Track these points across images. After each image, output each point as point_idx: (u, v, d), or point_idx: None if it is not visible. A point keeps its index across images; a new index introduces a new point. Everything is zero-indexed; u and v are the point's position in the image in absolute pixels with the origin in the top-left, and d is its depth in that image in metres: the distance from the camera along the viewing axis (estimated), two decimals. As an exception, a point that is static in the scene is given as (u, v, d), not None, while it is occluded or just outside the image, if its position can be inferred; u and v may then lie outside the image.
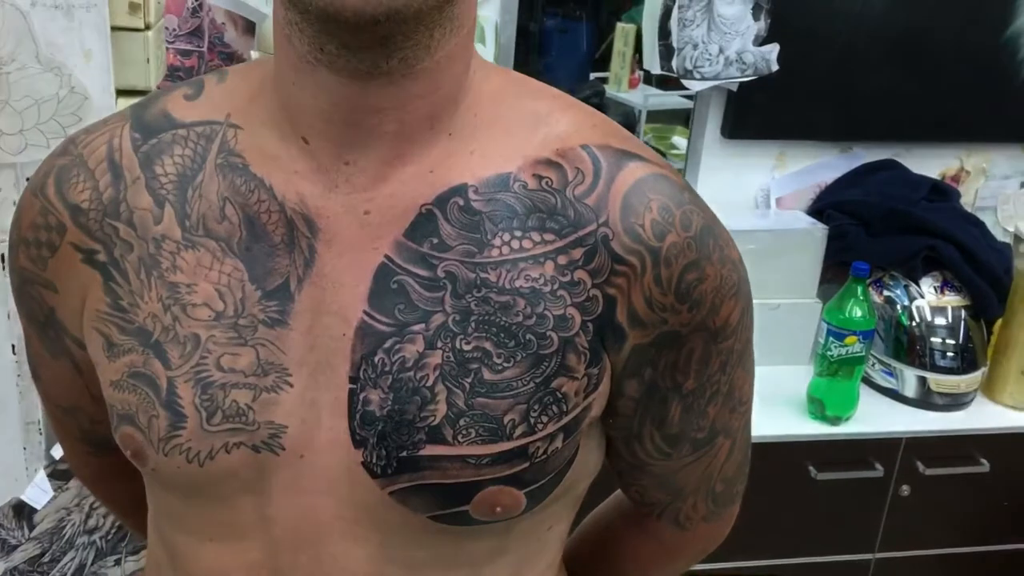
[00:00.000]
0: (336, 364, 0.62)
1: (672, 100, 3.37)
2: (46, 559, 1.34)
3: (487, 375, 0.62)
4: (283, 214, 0.63)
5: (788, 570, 1.81)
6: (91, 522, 1.36)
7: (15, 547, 1.32)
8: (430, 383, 0.61)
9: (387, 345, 0.62)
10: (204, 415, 0.63)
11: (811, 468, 1.72)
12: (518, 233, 0.62)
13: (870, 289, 1.84)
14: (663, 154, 3.49)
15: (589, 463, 0.71)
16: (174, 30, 1.65)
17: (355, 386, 0.62)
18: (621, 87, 3.66)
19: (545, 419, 0.63)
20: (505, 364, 0.62)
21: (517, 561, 0.71)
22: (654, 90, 3.48)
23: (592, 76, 3.83)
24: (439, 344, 0.61)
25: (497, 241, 0.62)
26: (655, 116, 3.56)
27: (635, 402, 0.68)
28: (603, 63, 3.85)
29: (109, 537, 1.38)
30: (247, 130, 0.65)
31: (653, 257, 0.63)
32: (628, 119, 3.58)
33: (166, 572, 0.73)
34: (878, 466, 1.75)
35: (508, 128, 0.65)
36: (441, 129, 0.63)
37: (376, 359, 0.62)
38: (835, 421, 1.74)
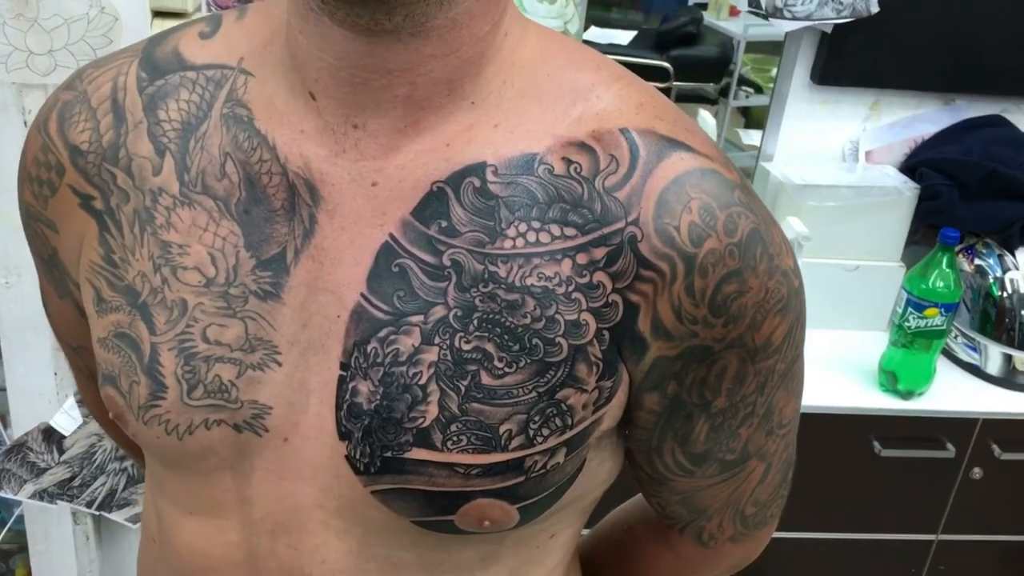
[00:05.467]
0: (329, 347, 0.58)
1: (774, 31, 3.19)
2: (76, 483, 1.34)
3: (485, 379, 0.56)
4: (285, 177, 0.58)
5: (844, 545, 1.74)
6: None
7: (44, 470, 1.33)
8: (423, 381, 0.56)
9: (382, 334, 0.57)
10: (185, 387, 0.60)
11: (876, 443, 1.63)
12: (536, 224, 0.56)
13: (960, 256, 1.71)
14: (760, 88, 3.34)
15: (601, 474, 0.65)
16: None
17: (345, 373, 0.58)
18: (720, 15, 3.48)
19: (546, 432, 0.57)
20: (507, 369, 0.56)
21: (512, 568, 0.66)
22: (756, 20, 3.30)
23: (691, 2, 3.65)
24: (436, 340, 0.56)
25: (512, 232, 0.56)
26: (754, 47, 3.38)
27: (656, 416, 0.62)
28: (704, -12, 3.66)
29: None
30: (258, 78, 0.60)
31: (687, 264, 0.55)
32: (725, 49, 3.41)
33: (154, 532, 0.71)
34: (950, 446, 1.65)
35: (542, 101, 0.58)
36: (461, 96, 0.57)
37: (369, 348, 0.57)
38: (907, 395, 1.64)
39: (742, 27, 3.35)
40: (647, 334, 0.57)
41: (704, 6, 3.53)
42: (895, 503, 1.73)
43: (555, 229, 0.56)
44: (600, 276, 0.56)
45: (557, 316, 0.56)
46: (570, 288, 0.56)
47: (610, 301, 0.56)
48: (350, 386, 0.58)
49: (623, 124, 0.57)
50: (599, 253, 0.56)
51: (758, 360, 0.60)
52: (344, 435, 0.58)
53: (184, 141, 0.61)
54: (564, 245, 0.56)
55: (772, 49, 3.37)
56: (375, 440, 0.57)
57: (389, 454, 0.57)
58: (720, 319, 0.57)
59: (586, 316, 0.56)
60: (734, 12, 3.44)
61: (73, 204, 0.64)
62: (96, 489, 1.34)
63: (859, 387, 1.67)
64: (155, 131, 0.61)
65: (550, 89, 0.58)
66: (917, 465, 1.67)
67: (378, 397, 0.57)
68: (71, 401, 1.30)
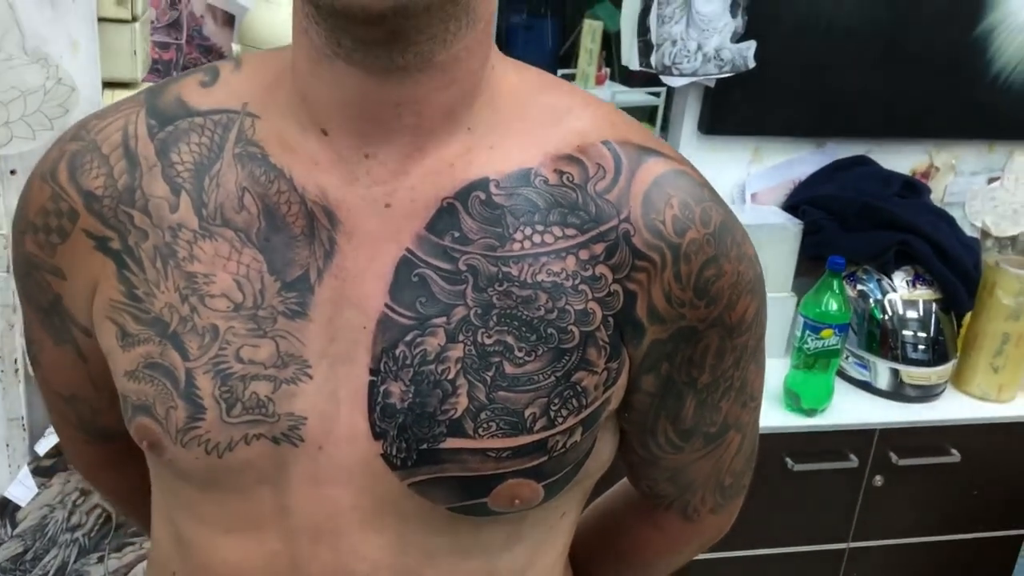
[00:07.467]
0: (357, 356, 0.63)
1: (639, 97, 3.39)
2: (28, 557, 1.32)
3: (508, 369, 0.62)
4: (303, 205, 0.63)
5: (763, 560, 1.84)
6: (74, 519, 1.34)
7: (-2, 545, 1.30)
8: (451, 376, 0.62)
9: (408, 338, 0.62)
10: (224, 407, 0.63)
11: (788, 460, 1.75)
12: (540, 227, 0.62)
13: (844, 283, 1.86)
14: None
15: (604, 453, 0.71)
16: (152, 22, 1.63)
17: (375, 378, 0.62)
18: (588, 84, 3.66)
19: (565, 412, 0.63)
20: (527, 358, 0.62)
21: (532, 547, 0.72)
22: (621, 87, 3.50)
23: (559, 73, 3.84)
24: (461, 337, 0.62)
25: (519, 235, 0.62)
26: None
27: (651, 397, 0.68)
28: (567, 60, 3.86)
29: (92, 534, 1.36)
30: (265, 119, 0.65)
31: (673, 253, 0.63)
32: (596, 115, 3.58)
33: (175, 565, 0.73)
34: (852, 457, 1.78)
35: (527, 123, 0.65)
36: (459, 123, 0.63)
37: (397, 352, 0.62)
38: (811, 413, 1.77)
39: (609, 94, 3.53)
40: (644, 319, 0.64)
41: (572, 77, 3.72)
42: (808, 515, 1.84)
43: (557, 231, 0.62)
44: (601, 269, 0.63)
45: (567, 307, 0.62)
46: (576, 281, 0.62)
47: (612, 290, 0.63)
48: (381, 389, 0.62)
49: (603, 138, 0.64)
50: (598, 248, 0.63)
51: (735, 336, 0.68)
52: (379, 435, 0.62)
53: (199, 180, 0.65)
54: (567, 244, 0.62)
55: (636, 114, 3.57)
56: (410, 435, 0.62)
57: (425, 446, 0.62)
58: (703, 301, 0.65)
59: (592, 305, 0.63)
60: (600, 80, 3.64)
61: (87, 247, 0.67)
62: (48, 562, 1.32)
63: (767, 409, 1.78)
64: (169, 173, 0.65)
65: (533, 113, 0.65)
66: (825, 477, 1.79)
67: (410, 395, 0.62)
68: (25, 471, 1.28)
